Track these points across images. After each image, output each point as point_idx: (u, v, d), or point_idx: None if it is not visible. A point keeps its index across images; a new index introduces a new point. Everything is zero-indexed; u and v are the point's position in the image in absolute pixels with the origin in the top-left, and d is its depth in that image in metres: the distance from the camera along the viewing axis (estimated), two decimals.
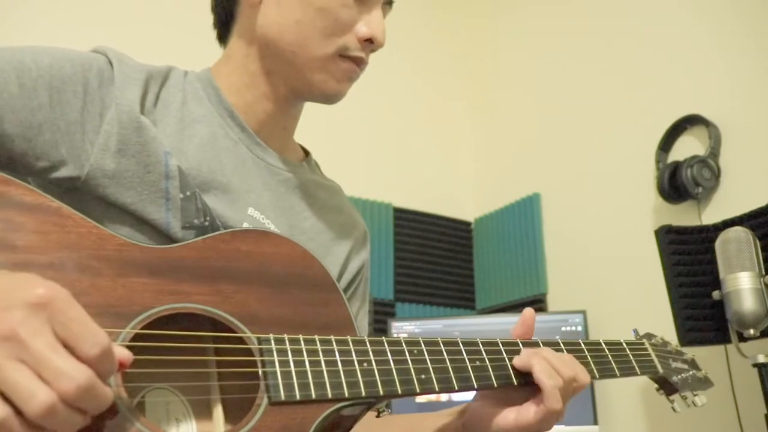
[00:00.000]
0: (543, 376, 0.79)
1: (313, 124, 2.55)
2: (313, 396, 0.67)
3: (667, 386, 1.00)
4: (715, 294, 1.74)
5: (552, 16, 2.96)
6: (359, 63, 0.91)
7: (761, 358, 1.66)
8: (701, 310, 1.80)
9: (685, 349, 1.10)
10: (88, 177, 0.76)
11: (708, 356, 1.89)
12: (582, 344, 0.91)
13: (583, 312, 2.38)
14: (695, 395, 1.01)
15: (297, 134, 1.07)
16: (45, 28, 2.31)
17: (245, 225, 0.85)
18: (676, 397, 1.00)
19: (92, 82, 0.79)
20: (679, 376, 1.00)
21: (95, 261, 0.64)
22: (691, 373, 1.03)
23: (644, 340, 1.01)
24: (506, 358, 0.82)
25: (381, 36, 0.89)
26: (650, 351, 0.98)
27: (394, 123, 3.12)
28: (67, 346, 0.51)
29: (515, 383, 0.81)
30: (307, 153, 1.05)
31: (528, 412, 0.80)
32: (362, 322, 1.04)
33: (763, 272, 1.66)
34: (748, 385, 1.83)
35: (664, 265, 1.89)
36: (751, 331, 1.64)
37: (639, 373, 0.94)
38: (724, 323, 1.73)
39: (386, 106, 3.11)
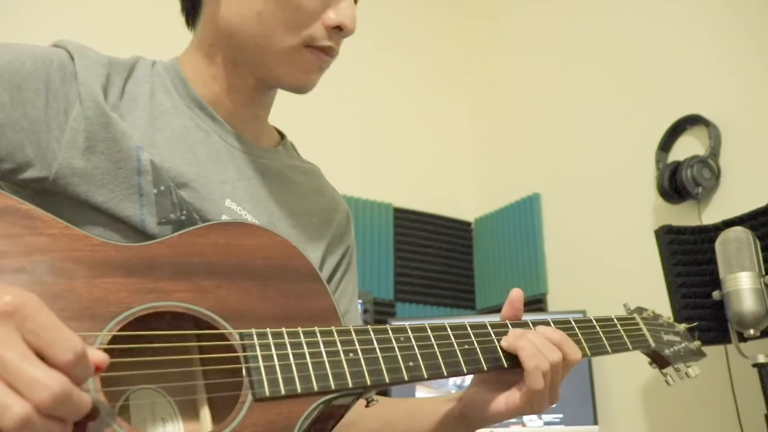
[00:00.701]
0: (525, 355, 0.78)
1: (314, 124, 2.54)
2: (299, 390, 0.65)
3: (659, 360, 0.98)
4: (715, 294, 1.73)
5: (552, 17, 2.95)
6: (328, 52, 0.86)
7: (761, 358, 1.65)
8: (701, 310, 1.79)
9: None
10: (57, 176, 0.74)
11: (708, 356, 1.87)
12: (572, 322, 0.89)
13: (583, 312, 2.36)
14: (688, 366, 0.99)
15: (296, 134, 1.05)
16: (45, 28, 2.31)
17: (224, 217, 0.82)
18: (669, 370, 0.99)
19: (54, 78, 0.76)
20: (671, 349, 0.98)
21: (69, 263, 0.62)
22: (683, 345, 1.01)
23: (635, 315, 0.99)
24: (495, 340, 0.80)
25: (350, 23, 0.84)
26: (641, 325, 0.96)
27: (395, 123, 3.12)
28: (40, 354, 0.49)
29: (505, 365, 0.80)
30: (282, 136, 1.02)
31: (515, 395, 0.80)
32: (354, 308, 1.00)
33: (763, 272, 1.66)
34: (748, 385, 1.82)
35: (664, 265, 1.89)
36: (751, 331, 1.64)
37: (631, 348, 0.92)
38: (724, 323, 1.72)
39: (386, 107, 3.11)
